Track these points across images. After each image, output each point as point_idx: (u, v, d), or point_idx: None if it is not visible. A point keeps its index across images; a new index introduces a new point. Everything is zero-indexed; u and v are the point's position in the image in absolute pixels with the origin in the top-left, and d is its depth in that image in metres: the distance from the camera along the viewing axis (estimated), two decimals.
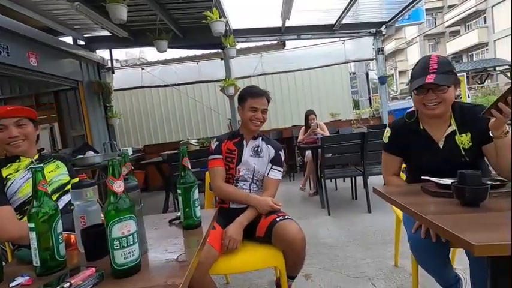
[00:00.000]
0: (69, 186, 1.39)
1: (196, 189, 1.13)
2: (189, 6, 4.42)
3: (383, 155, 1.48)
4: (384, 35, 5.82)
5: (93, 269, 0.76)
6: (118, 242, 0.75)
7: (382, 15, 5.50)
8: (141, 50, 6.83)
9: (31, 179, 1.30)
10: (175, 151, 3.86)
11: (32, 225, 0.82)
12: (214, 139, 1.69)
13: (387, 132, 1.43)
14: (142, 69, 6.04)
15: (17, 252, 0.95)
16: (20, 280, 0.80)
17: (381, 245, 2.40)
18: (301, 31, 5.59)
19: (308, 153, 4.18)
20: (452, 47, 25.34)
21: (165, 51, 4.59)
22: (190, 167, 1.13)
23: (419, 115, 1.36)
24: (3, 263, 0.83)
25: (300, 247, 1.39)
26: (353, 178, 3.76)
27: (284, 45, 6.60)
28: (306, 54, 6.20)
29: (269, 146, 1.69)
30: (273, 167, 1.65)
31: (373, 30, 5.68)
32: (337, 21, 5.28)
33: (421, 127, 1.34)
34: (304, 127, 4.40)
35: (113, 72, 5.61)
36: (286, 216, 1.48)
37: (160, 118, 6.33)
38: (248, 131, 1.66)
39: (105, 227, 0.80)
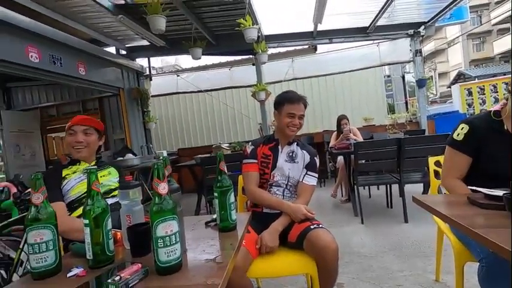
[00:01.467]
0: (116, 192, 1.51)
1: (232, 193, 1.16)
2: (223, 15, 4.56)
3: (450, 154, 1.35)
4: (422, 35, 5.55)
5: (139, 265, 0.81)
6: (162, 241, 0.79)
7: (421, 16, 5.25)
8: (177, 58, 7.15)
9: (84, 180, 1.47)
10: (208, 155, 3.98)
11: (86, 221, 0.89)
12: (250, 143, 1.72)
13: (462, 128, 1.31)
14: (178, 75, 6.32)
15: (71, 246, 1.04)
16: (75, 271, 0.87)
17: (420, 257, 2.27)
18: (333, 35, 5.52)
19: (340, 159, 4.08)
20: (499, 46, 23.39)
21: (200, 58, 4.76)
22: (226, 171, 1.17)
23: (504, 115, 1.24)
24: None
25: (332, 257, 1.36)
26: (388, 186, 3.60)
27: (315, 49, 6.54)
28: (338, 58, 6.09)
29: (304, 151, 1.68)
30: (308, 172, 1.64)
31: (411, 31, 5.44)
32: (371, 23, 5.13)
33: (505, 128, 1.23)
34: (336, 132, 4.31)
35: (151, 79, 5.94)
36: (320, 225, 1.46)
37: (193, 122, 6.56)
38: (284, 136, 1.67)
39: (149, 226, 0.87)
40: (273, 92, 5.25)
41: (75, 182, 1.47)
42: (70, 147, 1.51)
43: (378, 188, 4.38)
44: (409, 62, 5.89)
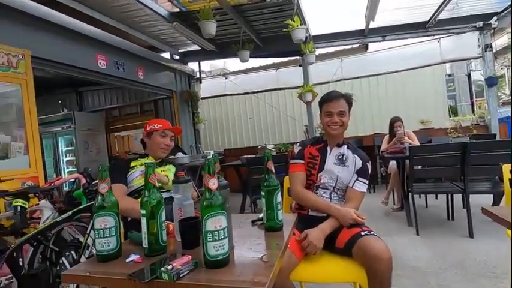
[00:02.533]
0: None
1: (279, 193, 1.15)
2: (271, 17, 4.59)
3: None
4: (494, 28, 4.92)
5: (190, 256, 0.85)
6: (211, 235, 0.81)
7: (492, 5, 4.66)
8: (225, 61, 7.39)
9: (139, 176, 1.61)
10: (254, 155, 4.02)
11: (143, 211, 0.96)
12: (297, 144, 1.69)
13: None
14: (226, 78, 6.53)
15: (130, 234, 1.13)
16: (133, 257, 0.94)
17: (489, 277, 2.00)
18: (386, 32, 5.19)
19: (392, 163, 3.81)
20: None
21: (247, 60, 4.86)
22: (273, 171, 1.16)
23: None
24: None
25: (385, 268, 1.26)
26: (449, 195, 3.25)
27: (366, 48, 6.22)
28: (391, 56, 5.71)
29: (356, 155, 1.60)
30: (359, 178, 1.56)
31: (479, 23, 4.87)
32: (432, 17, 4.71)
33: None
34: (388, 135, 4.04)
35: (201, 82, 6.23)
36: (371, 232, 1.37)
37: (239, 124, 6.70)
38: (330, 137, 1.61)
39: (199, 220, 0.90)
40: (320, 93, 5.13)
41: (138, 174, 1.62)
42: (158, 147, 1.71)
43: (437, 198, 3.99)
44: (476, 58, 5.28)
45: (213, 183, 0.85)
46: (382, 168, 4.75)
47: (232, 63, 7.19)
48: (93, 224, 1.67)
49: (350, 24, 4.99)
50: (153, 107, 6.19)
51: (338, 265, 1.39)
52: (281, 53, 5.61)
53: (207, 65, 7.11)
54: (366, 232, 1.36)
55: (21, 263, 1.47)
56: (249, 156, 4.02)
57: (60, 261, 1.61)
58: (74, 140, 5.59)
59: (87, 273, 0.88)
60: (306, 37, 4.65)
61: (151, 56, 4.87)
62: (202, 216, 0.83)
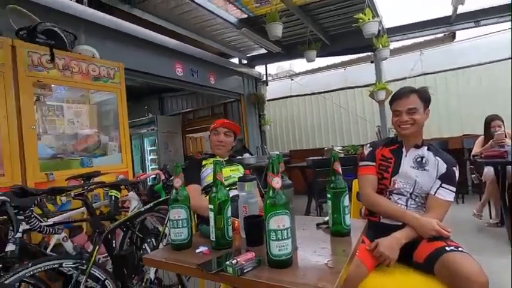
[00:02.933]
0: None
1: (347, 196, 1.08)
2: (339, 13, 4.41)
3: None
4: None
5: (253, 254, 0.86)
6: (274, 234, 0.81)
7: None
8: (291, 63, 7.38)
9: (211, 173, 1.70)
10: (320, 157, 3.90)
11: (211, 206, 1.01)
12: (368, 145, 1.57)
13: None
14: (292, 79, 6.51)
15: (200, 227, 1.21)
16: (201, 249, 1.00)
17: None
18: (481, 16, 4.44)
19: (488, 170, 3.23)
20: None
21: (313, 60, 4.76)
22: (341, 172, 1.10)
23: None
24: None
25: None
26: None
27: (453, 37, 5.43)
28: (483, 45, 4.86)
29: (438, 158, 1.40)
30: (443, 185, 1.36)
31: None
32: None
33: None
34: (482, 137, 3.44)
35: (267, 85, 6.35)
36: (459, 248, 1.18)
37: (305, 125, 6.59)
38: (405, 137, 1.45)
39: (263, 218, 0.90)
40: (394, 90, 4.69)
41: (209, 171, 1.74)
42: (213, 145, 1.81)
43: None
44: None
45: (276, 181, 0.84)
46: (473, 175, 4.06)
47: (299, 64, 7.12)
48: (168, 214, 1.85)
49: (432, 11, 4.43)
50: (223, 109, 6.56)
51: (416, 281, 1.23)
52: (350, 50, 5.33)
53: (273, 68, 7.20)
54: (452, 247, 1.17)
55: (114, 245, 1.72)
56: (315, 158, 3.92)
57: (143, 247, 1.84)
58: (156, 141, 6.32)
59: (163, 259, 0.97)
60: (379, 30, 4.30)
61: (221, 62, 5.18)
62: (265, 215, 0.83)
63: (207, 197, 1.64)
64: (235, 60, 6.05)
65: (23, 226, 1.27)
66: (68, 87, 2.52)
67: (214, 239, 1.00)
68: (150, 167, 6.52)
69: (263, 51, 5.75)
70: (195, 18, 4.22)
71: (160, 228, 2.07)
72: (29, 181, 2.01)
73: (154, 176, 2.41)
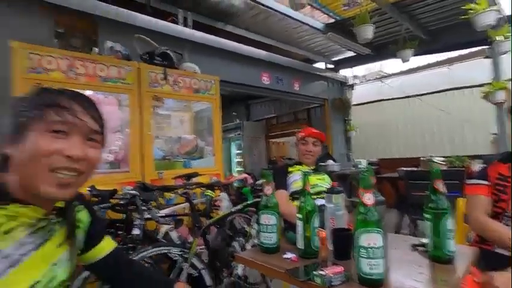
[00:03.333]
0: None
1: (450, 218, 0.97)
2: (440, 5, 3.89)
3: None
4: None
5: (342, 268, 0.86)
6: (365, 251, 0.80)
7: None
8: (381, 64, 6.84)
9: (298, 180, 1.77)
10: (414, 168, 3.51)
11: (299, 215, 1.06)
12: (480, 160, 1.36)
13: None
14: (382, 82, 6.03)
15: (286, 234, 1.27)
16: (289, 255, 1.06)
17: None
18: None
19: None
20: None
21: (409, 60, 4.31)
22: (443, 190, 0.99)
23: None
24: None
25: None
26: None
27: None
28: None
29: None
30: None
31: None
32: None
33: None
34: None
35: (353, 88, 6.05)
36: None
37: (396, 131, 5.99)
38: None
39: (351, 232, 0.90)
40: None
41: (297, 178, 1.81)
42: (300, 153, 1.87)
43: None
44: None
45: (368, 198, 0.83)
46: None
47: (391, 65, 6.53)
48: (258, 218, 1.98)
49: None
50: (306, 115, 6.56)
51: None
52: (456, 45, 4.62)
53: (361, 70, 6.79)
54: None
55: (209, 240, 1.94)
56: (409, 168, 3.53)
57: (233, 244, 2.01)
58: (242, 145, 6.77)
59: (254, 260, 1.06)
60: (498, 19, 3.61)
61: (306, 68, 5.20)
62: (355, 230, 0.83)
63: (294, 203, 1.71)
64: (320, 65, 5.98)
65: (146, 215, 1.57)
66: (175, 99, 2.97)
67: (301, 247, 1.04)
68: (236, 169, 7.01)
69: (350, 54, 5.52)
70: (281, 27, 4.38)
71: (247, 228, 2.23)
72: (146, 178, 2.45)
73: (241, 179, 2.61)
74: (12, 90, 2.01)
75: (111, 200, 1.75)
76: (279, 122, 7.54)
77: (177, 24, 3.48)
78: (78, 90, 0.70)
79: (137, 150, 2.48)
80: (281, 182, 1.75)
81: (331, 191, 1.14)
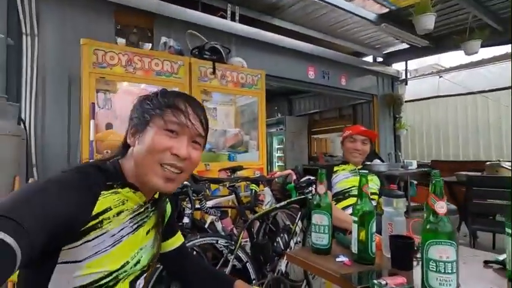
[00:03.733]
0: (374, 197, 1.61)
1: None
2: None
3: None
4: None
5: (404, 279, 0.80)
6: (434, 265, 0.73)
7: None
8: (439, 57, 6.25)
9: (349, 178, 1.70)
10: (478, 173, 3.16)
11: (355, 218, 1.00)
12: None
13: None
14: (440, 77, 5.51)
15: (336, 235, 1.22)
16: (342, 258, 1.01)
17: None
18: None
19: None
20: None
21: (476, 52, 3.87)
22: None
23: None
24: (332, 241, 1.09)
25: None
26: None
27: None
28: None
29: None
30: None
31: None
32: None
33: None
34: None
35: (406, 84, 5.62)
36: None
37: (455, 131, 5.46)
38: None
39: (413, 241, 0.83)
40: None
41: (342, 177, 1.74)
42: (348, 152, 1.78)
43: None
44: None
45: (440, 206, 0.75)
46: None
47: (450, 58, 5.95)
48: (304, 216, 1.94)
49: None
50: (352, 111, 6.27)
51: None
52: None
53: (413, 63, 6.24)
54: None
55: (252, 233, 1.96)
56: (472, 173, 3.19)
57: (277, 240, 2.01)
58: (283, 140, 6.72)
59: (304, 259, 1.04)
60: None
61: (354, 62, 4.94)
62: (423, 241, 0.76)
63: (337, 205, 1.64)
64: (370, 59, 5.65)
65: (195, 206, 1.63)
66: (222, 93, 3.02)
67: (356, 252, 0.99)
68: (276, 164, 7.00)
69: (403, 46, 5.12)
70: (330, 19, 4.20)
71: (291, 225, 2.21)
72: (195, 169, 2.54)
73: (286, 175, 2.58)
74: (82, 82, 2.22)
75: None
76: (322, 118, 7.33)
77: (226, 19, 3.53)
78: (186, 93, 0.76)
79: None
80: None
81: (389, 193, 1.07)
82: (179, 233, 0.91)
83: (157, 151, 0.66)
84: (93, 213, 0.60)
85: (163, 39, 2.73)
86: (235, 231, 2.06)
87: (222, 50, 2.91)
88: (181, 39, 2.93)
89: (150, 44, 2.83)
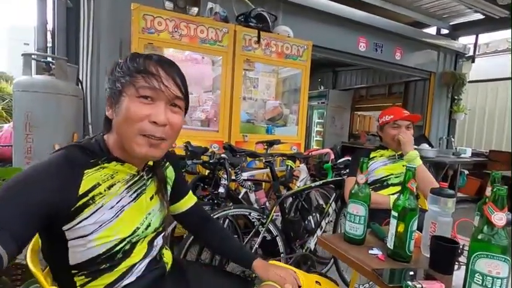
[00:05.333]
0: None
1: None
2: None
3: None
4: None
5: (442, 285, 0.75)
6: (481, 278, 0.67)
7: None
8: None
9: (388, 165, 1.61)
10: None
11: (395, 213, 0.95)
12: None
13: None
14: None
15: (372, 225, 1.17)
16: (376, 251, 0.98)
17: None
18: None
19: None
20: None
21: None
22: None
23: None
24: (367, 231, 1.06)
25: None
26: None
27: None
28: None
29: None
30: None
31: None
32: None
33: None
34: None
35: (473, 61, 4.95)
36: None
37: None
38: None
39: (458, 246, 0.76)
40: None
41: (379, 164, 1.65)
42: (390, 139, 1.63)
43: None
44: None
45: (499, 218, 0.67)
46: None
47: None
48: (338, 198, 1.91)
49: None
50: (403, 89, 5.76)
51: None
52: None
53: (484, 37, 5.40)
54: None
55: (284, 208, 1.99)
56: None
57: (308, 218, 2.02)
58: (324, 114, 6.49)
59: (335, 247, 1.03)
60: None
61: (413, 34, 4.41)
62: (471, 250, 0.70)
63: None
64: (432, 31, 5.01)
65: (231, 177, 1.68)
66: (265, 63, 2.93)
67: (391, 247, 0.95)
68: (314, 139, 6.86)
69: (476, 16, 4.43)
70: None
71: (324, 205, 2.19)
72: (232, 139, 2.59)
73: (324, 153, 2.52)
74: (131, 48, 2.29)
75: (203, 157, 1.92)
76: (369, 94, 6.88)
77: None
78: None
79: (226, 111, 2.61)
80: (356, 168, 1.58)
81: (439, 192, 0.98)
82: (190, 193, 0.94)
83: (135, 121, 0.64)
84: (80, 192, 0.62)
85: (210, 4, 2.67)
86: (267, 204, 2.10)
87: (268, 18, 2.77)
88: (227, 5, 2.83)
89: (197, 9, 2.78)
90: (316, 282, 0.73)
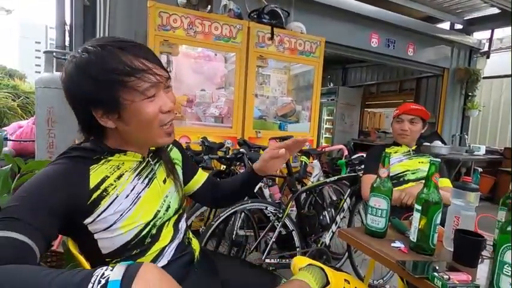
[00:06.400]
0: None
1: None
2: None
3: None
4: None
5: (469, 277, 0.76)
6: (510, 269, 0.68)
7: None
8: None
9: (403, 161, 1.61)
10: None
11: (418, 207, 0.96)
12: None
13: None
14: None
15: (392, 220, 1.18)
16: (398, 244, 0.99)
17: None
18: None
19: None
20: None
21: None
22: None
23: None
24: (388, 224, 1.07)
25: None
26: None
27: None
28: None
29: None
30: None
31: None
32: None
33: None
34: None
35: (488, 57, 4.85)
36: None
37: None
38: None
39: (482, 240, 0.77)
40: None
41: (395, 161, 1.66)
42: (395, 133, 1.69)
43: None
44: None
45: None
46: None
47: None
48: (353, 194, 1.92)
49: None
50: (415, 85, 5.69)
51: None
52: None
53: (499, 32, 5.27)
54: None
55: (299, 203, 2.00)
56: None
57: (324, 214, 2.03)
58: (334, 111, 6.45)
59: (358, 240, 1.05)
60: None
61: (426, 29, 4.34)
62: (499, 242, 0.70)
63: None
64: (446, 26, 4.93)
65: None
66: (277, 60, 2.94)
67: (414, 240, 0.96)
68: (323, 136, 6.83)
69: (492, 11, 4.34)
70: None
71: (334, 198, 2.20)
72: (245, 135, 2.61)
73: (337, 150, 2.53)
74: (147, 44, 2.32)
75: (218, 152, 1.95)
76: (379, 91, 6.81)
77: None
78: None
79: (240, 107, 2.63)
80: (372, 165, 1.59)
81: (462, 186, 0.98)
82: (200, 170, 0.98)
83: (153, 119, 0.67)
84: (91, 187, 0.64)
85: (224, 1, 2.68)
86: (281, 198, 2.12)
87: (281, 14, 2.78)
88: (239, 1, 2.84)
89: (209, 6, 2.80)
90: (345, 280, 0.74)
